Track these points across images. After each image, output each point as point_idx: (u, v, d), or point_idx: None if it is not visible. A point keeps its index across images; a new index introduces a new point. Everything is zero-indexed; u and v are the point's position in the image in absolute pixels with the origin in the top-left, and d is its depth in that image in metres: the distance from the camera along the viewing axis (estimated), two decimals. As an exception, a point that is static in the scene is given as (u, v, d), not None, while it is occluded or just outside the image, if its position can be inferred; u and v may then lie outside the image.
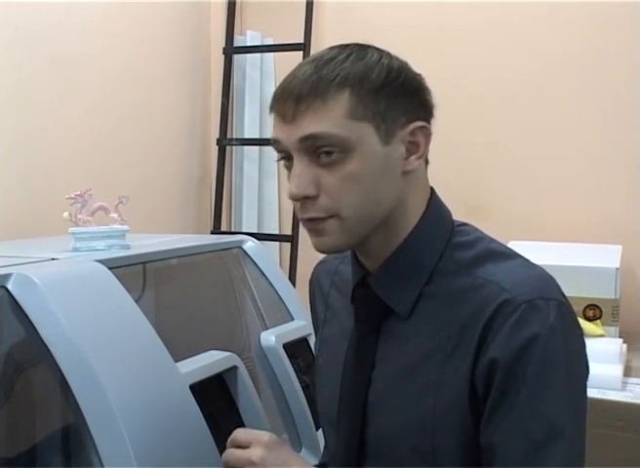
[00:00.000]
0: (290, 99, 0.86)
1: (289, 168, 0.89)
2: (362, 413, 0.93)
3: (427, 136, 0.89)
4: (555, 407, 0.81)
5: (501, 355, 0.82)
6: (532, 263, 0.91)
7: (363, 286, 0.95)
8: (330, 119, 0.84)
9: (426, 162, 0.94)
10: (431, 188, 0.96)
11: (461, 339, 0.85)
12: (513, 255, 0.91)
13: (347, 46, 0.90)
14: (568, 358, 0.83)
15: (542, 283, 0.87)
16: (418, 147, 0.89)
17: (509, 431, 0.82)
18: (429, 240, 0.91)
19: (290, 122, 0.86)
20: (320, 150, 0.85)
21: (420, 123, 0.89)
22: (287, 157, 0.89)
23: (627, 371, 1.87)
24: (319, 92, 0.84)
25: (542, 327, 0.82)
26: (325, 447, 1.16)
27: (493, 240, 0.94)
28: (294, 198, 0.87)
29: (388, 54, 0.91)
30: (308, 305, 1.15)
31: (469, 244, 0.92)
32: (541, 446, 0.80)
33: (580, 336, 0.87)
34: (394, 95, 0.87)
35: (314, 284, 1.11)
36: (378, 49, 0.91)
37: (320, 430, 1.19)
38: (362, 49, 0.89)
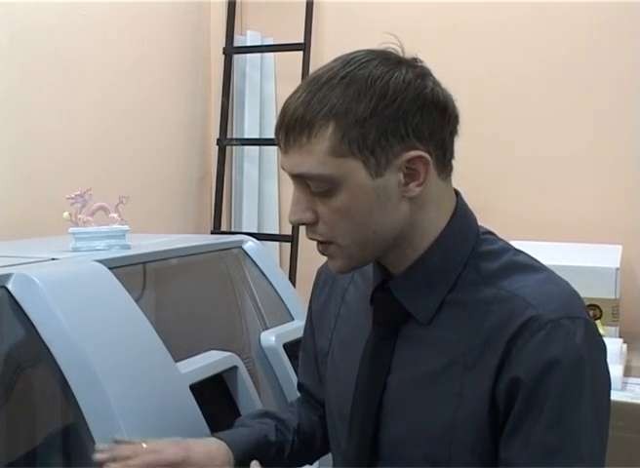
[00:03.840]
0: (282, 130, 0.85)
1: None
2: (376, 417, 0.92)
3: (426, 164, 0.85)
4: (578, 430, 0.81)
5: (525, 374, 0.81)
6: (557, 277, 0.90)
7: (383, 289, 0.94)
8: (313, 157, 0.83)
9: (450, 171, 0.91)
10: (457, 196, 0.93)
11: (484, 352, 0.85)
12: (539, 268, 0.90)
13: (350, 60, 0.85)
14: (593, 380, 0.83)
15: (569, 300, 0.86)
16: (417, 174, 0.85)
17: (529, 448, 0.82)
18: (453, 249, 0.90)
19: (284, 153, 0.87)
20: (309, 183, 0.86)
21: (414, 153, 0.84)
22: None
23: (627, 371, 1.87)
24: (304, 126, 0.83)
25: (568, 348, 0.81)
26: (298, 399, 1.18)
27: (518, 251, 0.93)
28: (292, 224, 0.90)
29: (395, 63, 0.85)
30: (308, 305, 1.14)
31: (494, 254, 0.90)
32: (558, 463, 0.81)
33: (604, 354, 0.87)
34: (387, 122, 0.82)
35: (328, 275, 1.09)
36: (385, 59, 0.85)
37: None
38: (363, 65, 0.84)
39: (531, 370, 0.81)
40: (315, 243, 0.91)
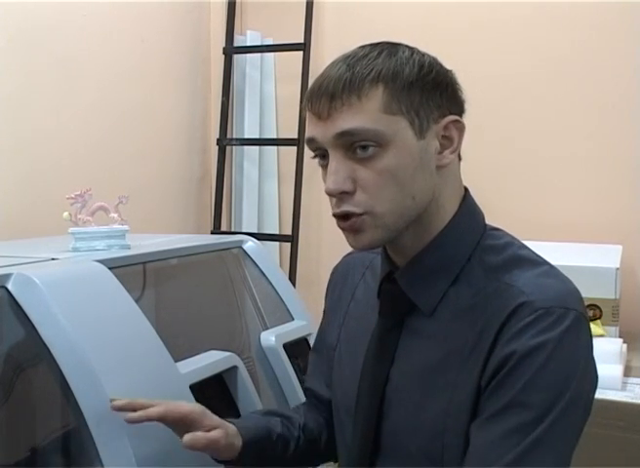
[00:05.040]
0: (324, 97, 0.87)
1: (324, 166, 0.90)
2: (379, 408, 0.93)
3: (461, 129, 0.91)
4: (544, 416, 0.81)
5: (509, 355, 0.82)
6: (558, 272, 0.90)
7: (390, 280, 0.95)
8: (365, 114, 0.85)
9: (459, 158, 0.94)
10: (465, 188, 0.96)
11: (479, 341, 0.86)
12: (541, 263, 0.91)
13: (378, 44, 0.91)
14: (575, 371, 0.83)
15: (566, 293, 0.87)
16: (451, 141, 0.90)
17: (490, 429, 0.82)
18: (460, 239, 0.92)
19: (325, 119, 0.87)
20: (356, 145, 0.86)
21: (453, 117, 0.90)
22: (322, 155, 0.90)
23: (627, 371, 1.87)
24: (353, 88, 0.85)
25: (555, 333, 0.82)
26: (303, 403, 1.18)
27: (523, 246, 0.94)
28: (331, 194, 0.88)
29: (418, 50, 0.91)
30: (308, 305, 1.15)
31: (499, 248, 0.92)
32: (514, 442, 0.81)
33: (590, 348, 0.87)
34: (427, 89, 0.88)
35: (341, 273, 1.11)
36: (408, 46, 0.91)
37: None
38: (393, 46, 0.90)
39: (516, 351, 0.82)
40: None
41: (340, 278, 1.11)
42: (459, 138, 0.91)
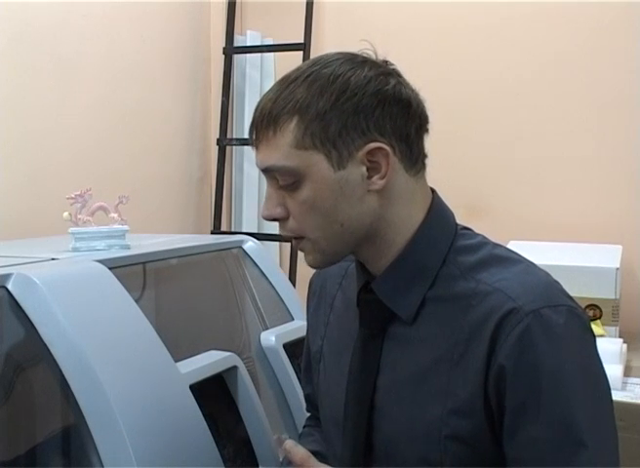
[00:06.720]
0: (254, 128, 0.89)
1: None
2: (368, 419, 0.92)
3: (386, 156, 0.87)
4: (575, 417, 0.81)
5: (511, 366, 0.81)
6: (536, 268, 0.90)
7: (367, 290, 0.94)
8: (278, 150, 0.87)
9: (421, 169, 0.92)
10: (433, 193, 0.95)
11: (468, 348, 0.85)
12: (517, 260, 0.90)
13: (317, 60, 0.89)
14: (581, 366, 0.83)
15: (548, 289, 0.86)
16: (379, 167, 0.87)
17: (535, 446, 0.81)
18: (431, 245, 0.91)
19: (256, 150, 0.90)
20: (277, 177, 0.88)
21: (375, 144, 0.86)
22: None
23: (627, 371, 1.87)
24: (270, 122, 0.87)
25: (551, 337, 0.81)
26: (313, 425, 1.16)
27: (496, 245, 0.93)
28: (264, 219, 0.91)
29: (359, 63, 0.88)
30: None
31: (473, 248, 0.91)
32: (566, 458, 0.80)
33: (591, 341, 0.86)
34: (346, 115, 0.85)
35: (317, 285, 1.10)
36: (349, 59, 0.89)
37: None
38: (327, 64, 0.88)
39: (516, 362, 0.81)
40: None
41: (318, 289, 1.09)
42: (386, 164, 0.87)
